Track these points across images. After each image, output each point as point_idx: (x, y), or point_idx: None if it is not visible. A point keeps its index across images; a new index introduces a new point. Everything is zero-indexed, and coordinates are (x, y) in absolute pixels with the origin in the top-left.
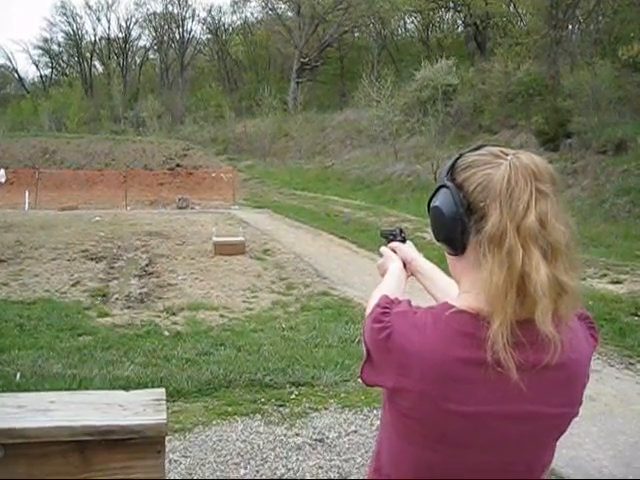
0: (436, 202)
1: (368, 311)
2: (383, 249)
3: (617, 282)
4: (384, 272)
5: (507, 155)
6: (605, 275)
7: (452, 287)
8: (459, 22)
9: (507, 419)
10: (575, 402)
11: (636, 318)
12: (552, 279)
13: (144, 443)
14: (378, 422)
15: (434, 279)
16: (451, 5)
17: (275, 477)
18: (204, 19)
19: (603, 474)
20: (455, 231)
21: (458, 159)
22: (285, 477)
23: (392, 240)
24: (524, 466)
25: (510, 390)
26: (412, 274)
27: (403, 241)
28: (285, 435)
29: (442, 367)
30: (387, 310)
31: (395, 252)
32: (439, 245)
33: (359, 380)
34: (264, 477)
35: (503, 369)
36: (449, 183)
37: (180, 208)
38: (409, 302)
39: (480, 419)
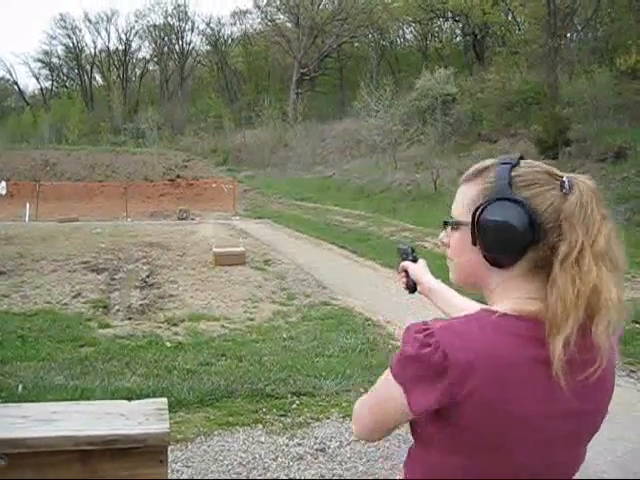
0: (502, 216)
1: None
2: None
3: None
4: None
5: (561, 176)
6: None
7: (470, 304)
8: (457, 32)
9: (559, 417)
10: (608, 400)
11: (637, 326)
12: (617, 295)
13: (147, 452)
14: None
15: (447, 297)
16: (449, 15)
17: None
18: (203, 31)
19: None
20: (520, 245)
21: (511, 171)
22: None
23: (405, 259)
24: (566, 464)
25: (561, 389)
26: (423, 293)
27: (414, 260)
28: (287, 445)
29: (500, 369)
30: (429, 331)
31: (407, 271)
32: (471, 255)
33: (361, 390)
34: None
35: (562, 368)
36: (521, 199)
37: (180, 219)
38: (440, 318)
39: (537, 419)
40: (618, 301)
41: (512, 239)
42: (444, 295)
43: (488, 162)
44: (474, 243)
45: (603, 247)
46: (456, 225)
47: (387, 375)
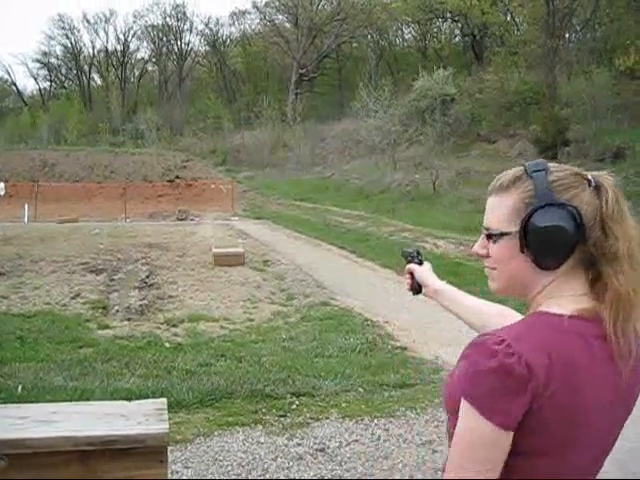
0: (554, 221)
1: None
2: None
3: None
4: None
5: (585, 175)
6: None
7: (487, 305)
8: (457, 32)
9: (616, 408)
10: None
11: None
12: None
13: (147, 452)
14: (379, 431)
15: (456, 298)
16: (448, 15)
17: None
18: (202, 31)
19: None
20: (569, 247)
21: (547, 177)
22: None
23: (410, 261)
24: (608, 451)
25: (618, 381)
26: (429, 295)
27: (420, 263)
28: (286, 445)
29: (574, 370)
30: (506, 342)
31: (412, 273)
32: (517, 262)
33: (361, 390)
34: None
35: (622, 361)
36: (567, 202)
37: (179, 220)
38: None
39: (603, 414)
40: None
41: (563, 241)
42: (451, 296)
43: (516, 171)
44: (522, 250)
45: (639, 238)
46: (500, 235)
47: (466, 417)
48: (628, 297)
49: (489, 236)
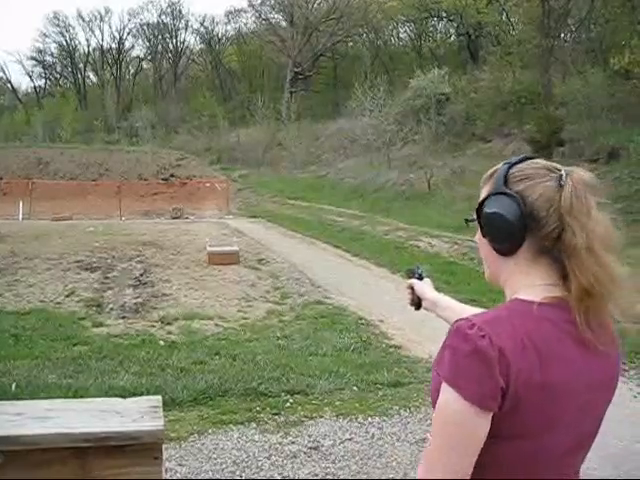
0: (496, 208)
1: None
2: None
3: None
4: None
5: (559, 169)
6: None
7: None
8: (452, 31)
9: (592, 392)
10: (617, 375)
11: (629, 325)
12: (621, 274)
13: (142, 449)
14: (373, 430)
15: (454, 309)
16: (444, 15)
17: None
18: (197, 29)
19: (592, 476)
20: (516, 234)
21: (509, 169)
22: None
23: (411, 277)
24: (593, 434)
25: (593, 364)
26: (428, 308)
27: (420, 278)
28: (280, 443)
29: (544, 354)
30: (477, 325)
31: (413, 288)
32: (483, 248)
33: (355, 388)
34: None
35: (588, 346)
36: (510, 191)
37: (174, 218)
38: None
39: (577, 396)
40: (624, 283)
41: (504, 228)
42: (450, 306)
43: (497, 166)
44: (483, 235)
45: (605, 234)
46: (472, 221)
47: (445, 397)
48: (592, 290)
49: (467, 221)
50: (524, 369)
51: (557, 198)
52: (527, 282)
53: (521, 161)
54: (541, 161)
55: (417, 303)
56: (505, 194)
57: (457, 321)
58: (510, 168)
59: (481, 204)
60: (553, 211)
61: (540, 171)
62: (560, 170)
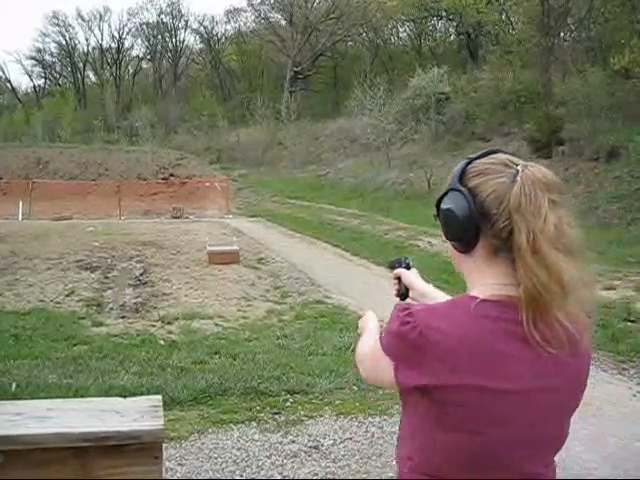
0: (449, 205)
1: (365, 346)
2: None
3: (610, 288)
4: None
5: (517, 165)
6: (598, 281)
7: None
8: (451, 31)
9: (543, 391)
10: (584, 378)
11: (629, 324)
12: (576, 277)
13: (142, 449)
14: (373, 429)
15: (435, 298)
16: (443, 14)
17: None
18: (197, 29)
19: (592, 475)
20: (467, 232)
21: (468, 164)
22: None
23: (398, 267)
24: (556, 437)
25: (538, 365)
26: (415, 299)
27: (407, 268)
28: (280, 442)
29: (478, 350)
30: (409, 311)
31: (400, 278)
32: (448, 244)
33: (355, 388)
34: None
35: (531, 346)
36: (462, 187)
37: (174, 218)
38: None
39: (523, 394)
40: (580, 283)
41: (455, 224)
42: (437, 297)
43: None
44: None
45: (554, 233)
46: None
47: (378, 343)
48: (534, 292)
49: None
50: (456, 364)
51: (508, 195)
52: (482, 280)
53: (483, 156)
54: (502, 156)
55: (404, 294)
56: (458, 190)
57: (399, 304)
58: (469, 163)
59: (439, 200)
60: (503, 209)
61: (496, 167)
62: (518, 165)
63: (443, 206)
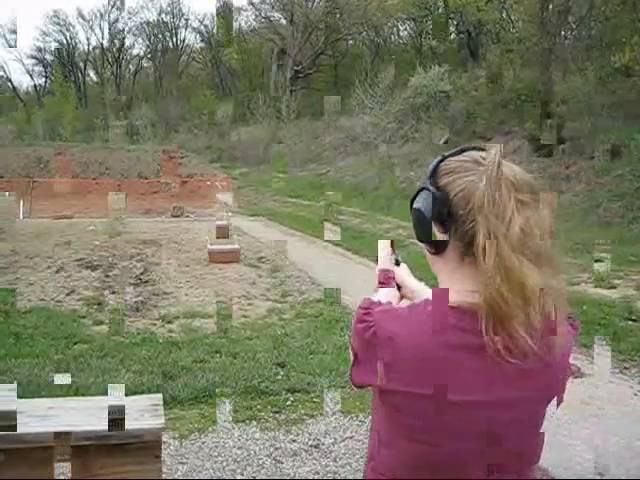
0: (418, 204)
1: None
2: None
3: (611, 287)
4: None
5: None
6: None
7: None
8: (452, 29)
9: (498, 405)
10: (555, 391)
11: (630, 323)
12: (539, 284)
13: (142, 448)
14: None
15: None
16: (442, 11)
17: None
18: (197, 28)
19: (594, 474)
20: (435, 233)
21: (441, 162)
22: None
23: None
24: (523, 453)
25: (495, 378)
26: (406, 296)
27: (397, 264)
28: (281, 441)
29: (430, 358)
30: (369, 310)
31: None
32: (421, 245)
33: (351, 383)
34: None
35: (489, 357)
36: (431, 187)
37: (174, 216)
38: (390, 303)
39: (469, 407)
40: (545, 291)
41: (423, 225)
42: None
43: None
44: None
45: (518, 236)
46: None
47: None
48: (493, 300)
49: None
50: (403, 372)
51: (472, 195)
52: (450, 284)
53: (457, 153)
54: (475, 153)
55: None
56: (428, 190)
57: (369, 299)
58: (442, 161)
59: (412, 199)
60: (470, 210)
61: (466, 164)
62: (489, 164)
63: (414, 205)
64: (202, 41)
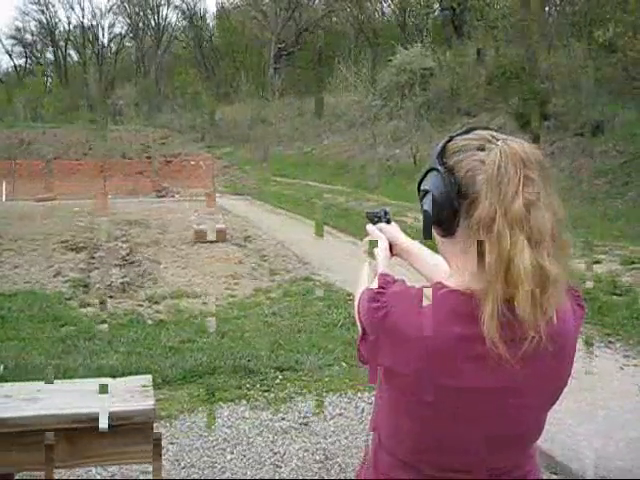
0: (427, 185)
1: (360, 290)
2: (369, 227)
3: (596, 262)
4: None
5: (498, 140)
6: (584, 255)
7: (438, 264)
8: (436, 6)
9: (498, 393)
10: (563, 374)
11: (614, 297)
12: (535, 265)
13: (133, 429)
14: (363, 404)
15: (419, 255)
16: None
17: (262, 461)
18: (179, 6)
19: (582, 447)
20: (446, 214)
21: (449, 142)
22: (271, 460)
23: (377, 222)
24: (522, 434)
25: (501, 365)
26: (396, 254)
27: (388, 222)
28: (271, 420)
29: (437, 344)
30: (383, 290)
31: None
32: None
33: (344, 364)
34: (251, 461)
35: (494, 345)
36: (440, 167)
37: (159, 197)
38: (404, 282)
39: (474, 394)
40: (540, 272)
41: (434, 207)
42: (420, 255)
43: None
44: None
45: (519, 213)
46: None
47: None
48: (494, 283)
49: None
50: (411, 357)
51: (480, 170)
52: (459, 266)
53: (465, 132)
54: (483, 132)
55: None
56: (436, 170)
57: (384, 275)
58: (449, 141)
59: (420, 181)
60: (477, 186)
61: (475, 142)
62: (499, 141)
63: (422, 186)
64: (184, 19)
